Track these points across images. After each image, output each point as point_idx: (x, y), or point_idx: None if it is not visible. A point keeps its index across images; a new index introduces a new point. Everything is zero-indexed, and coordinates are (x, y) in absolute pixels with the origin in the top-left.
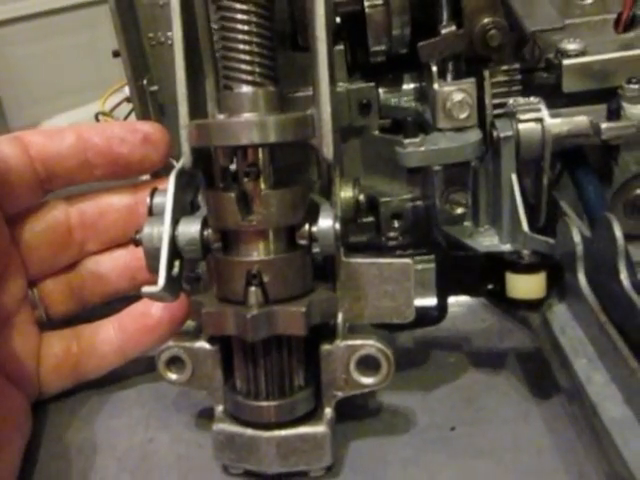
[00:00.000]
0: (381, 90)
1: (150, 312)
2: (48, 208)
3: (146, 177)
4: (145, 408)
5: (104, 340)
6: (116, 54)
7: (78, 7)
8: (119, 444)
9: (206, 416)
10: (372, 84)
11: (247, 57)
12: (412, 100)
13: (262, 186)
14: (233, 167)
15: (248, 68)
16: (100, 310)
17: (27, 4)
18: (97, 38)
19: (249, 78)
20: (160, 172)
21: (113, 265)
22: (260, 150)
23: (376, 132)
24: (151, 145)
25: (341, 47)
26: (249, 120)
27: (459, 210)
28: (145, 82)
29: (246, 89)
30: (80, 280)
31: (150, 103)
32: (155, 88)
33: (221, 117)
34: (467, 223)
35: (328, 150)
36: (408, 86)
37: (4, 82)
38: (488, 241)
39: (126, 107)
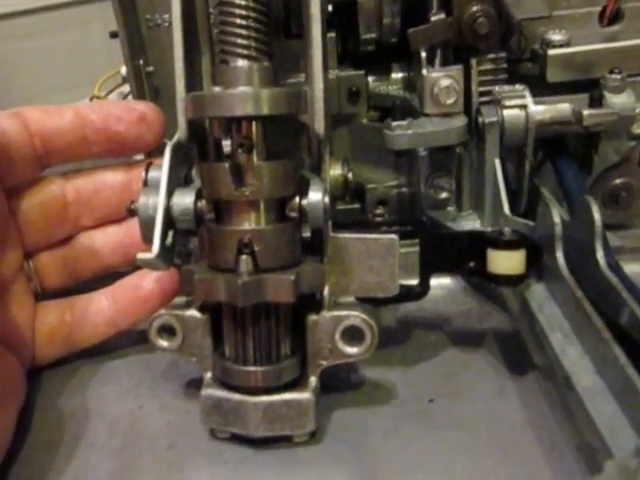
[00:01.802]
0: (370, 78)
1: (142, 285)
2: (45, 183)
3: (140, 157)
4: (135, 377)
5: (97, 310)
6: (114, 35)
7: (72, 4)
8: (110, 410)
9: (194, 386)
10: (362, 72)
11: (244, 32)
12: (400, 89)
13: (255, 159)
14: (227, 148)
15: (244, 42)
16: (93, 285)
17: (20, 0)
18: (90, 36)
19: (245, 52)
20: (154, 153)
21: (106, 241)
22: (254, 123)
23: (364, 120)
24: (146, 124)
25: (332, 35)
26: (244, 92)
27: (443, 195)
28: (142, 62)
29: (241, 63)
30: (74, 254)
31: (146, 84)
32: (151, 69)
33: (217, 89)
34: (450, 208)
35: (319, 126)
36: (397, 75)
37: None
38: (470, 225)
39: (119, 95)
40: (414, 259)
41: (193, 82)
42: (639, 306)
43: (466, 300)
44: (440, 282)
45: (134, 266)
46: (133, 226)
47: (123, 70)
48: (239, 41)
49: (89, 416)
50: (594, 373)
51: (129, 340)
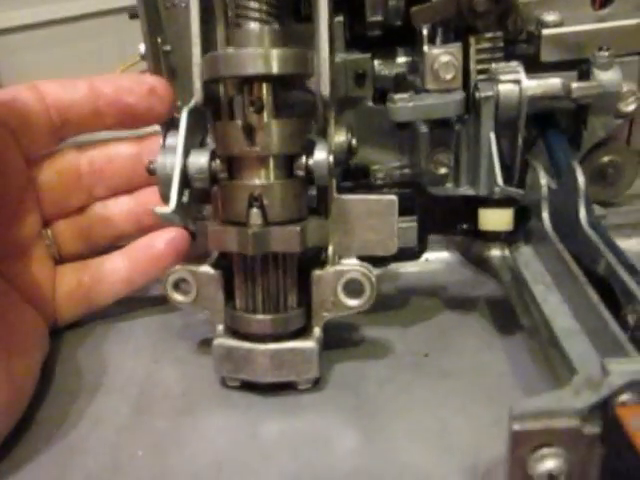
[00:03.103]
0: (376, 62)
1: (155, 244)
2: (60, 154)
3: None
4: (152, 337)
5: (113, 270)
6: (133, 15)
7: (86, 17)
8: (127, 364)
9: (207, 344)
10: (368, 55)
11: None
12: (404, 72)
13: (265, 117)
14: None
15: (256, 6)
16: (109, 252)
17: (36, 11)
18: (104, 48)
19: (256, 15)
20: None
21: (119, 209)
22: (264, 84)
23: (370, 103)
24: (156, 97)
25: (340, 19)
26: (255, 52)
27: (442, 170)
28: (159, 41)
29: (253, 26)
30: (89, 222)
31: (163, 62)
32: (168, 48)
33: (230, 50)
34: (449, 184)
35: (325, 88)
36: (401, 58)
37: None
38: None
39: None
40: (413, 234)
41: (208, 49)
42: (614, 257)
43: (462, 271)
44: (439, 256)
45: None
46: (145, 196)
47: (141, 47)
48: (251, 4)
49: (108, 369)
50: (571, 317)
51: (147, 303)
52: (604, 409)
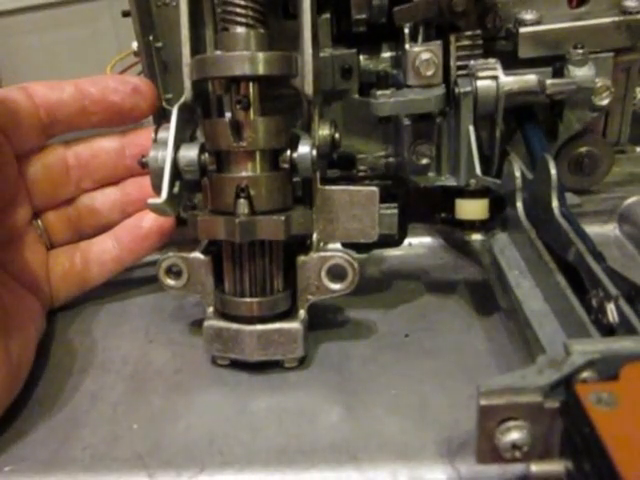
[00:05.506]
0: (362, 57)
1: (141, 224)
2: (48, 150)
3: None
4: (145, 319)
5: (103, 250)
6: (126, 14)
7: (81, 1)
8: (122, 345)
9: (198, 325)
10: (354, 51)
11: (242, 2)
12: (389, 66)
13: (251, 114)
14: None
15: (242, 12)
16: None
17: None
18: (99, 32)
19: (243, 20)
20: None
21: (105, 200)
22: (250, 83)
23: (356, 95)
24: (140, 95)
25: (327, 16)
26: (241, 55)
27: (424, 161)
28: (151, 38)
29: (240, 30)
30: (77, 213)
31: (155, 58)
32: (160, 44)
33: (217, 53)
34: (431, 173)
35: (309, 87)
36: (385, 54)
37: (8, 72)
38: None
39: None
40: (394, 220)
41: (197, 50)
42: (583, 245)
43: (444, 255)
44: (422, 241)
45: None
46: (129, 186)
47: (134, 45)
48: (238, 10)
49: (104, 349)
50: (542, 300)
51: (140, 287)
52: (567, 386)
